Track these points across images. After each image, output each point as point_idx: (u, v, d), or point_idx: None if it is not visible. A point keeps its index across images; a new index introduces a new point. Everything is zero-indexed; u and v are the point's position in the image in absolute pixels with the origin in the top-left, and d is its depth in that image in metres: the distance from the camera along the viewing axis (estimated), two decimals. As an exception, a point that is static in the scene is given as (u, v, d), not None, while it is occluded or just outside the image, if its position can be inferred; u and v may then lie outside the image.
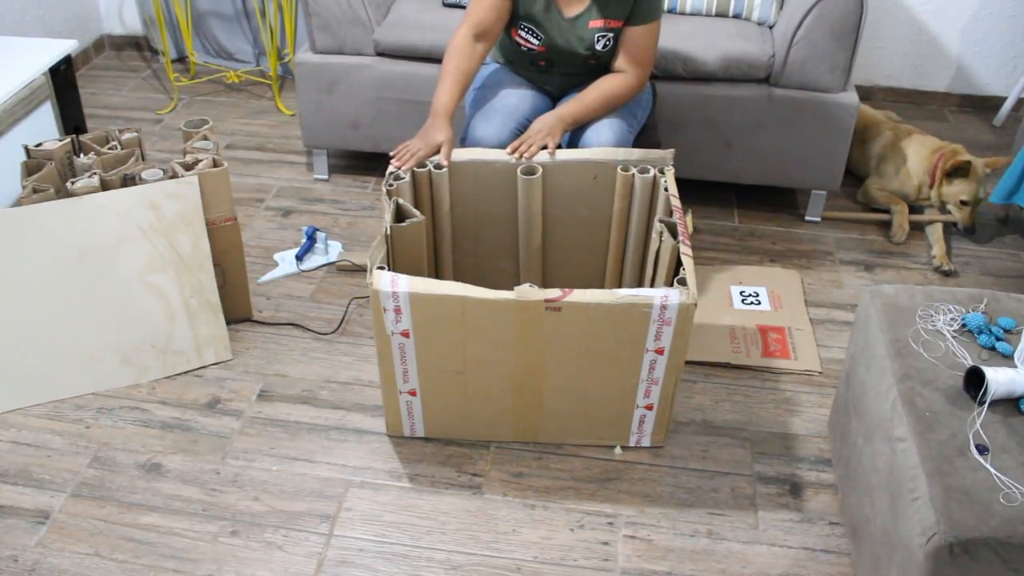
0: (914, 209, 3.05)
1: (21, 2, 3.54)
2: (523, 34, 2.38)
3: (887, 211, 3.03)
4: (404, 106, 2.97)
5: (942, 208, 2.99)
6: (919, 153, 3.04)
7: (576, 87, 2.44)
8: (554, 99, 2.51)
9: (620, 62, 2.37)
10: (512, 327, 1.93)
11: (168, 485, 2.06)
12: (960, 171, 2.90)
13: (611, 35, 2.33)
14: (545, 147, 2.26)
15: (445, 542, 1.95)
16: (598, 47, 2.34)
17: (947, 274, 2.81)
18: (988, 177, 2.91)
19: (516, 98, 2.42)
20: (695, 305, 1.89)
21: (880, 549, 1.71)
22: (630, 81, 2.36)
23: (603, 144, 2.30)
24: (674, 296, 1.89)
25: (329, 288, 2.69)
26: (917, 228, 3.01)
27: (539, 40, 2.36)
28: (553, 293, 1.88)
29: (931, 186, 2.99)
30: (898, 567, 1.62)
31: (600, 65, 2.40)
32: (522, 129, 2.38)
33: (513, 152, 2.25)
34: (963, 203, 2.92)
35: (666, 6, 3.04)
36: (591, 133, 2.34)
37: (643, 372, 2.01)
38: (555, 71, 2.45)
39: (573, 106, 2.33)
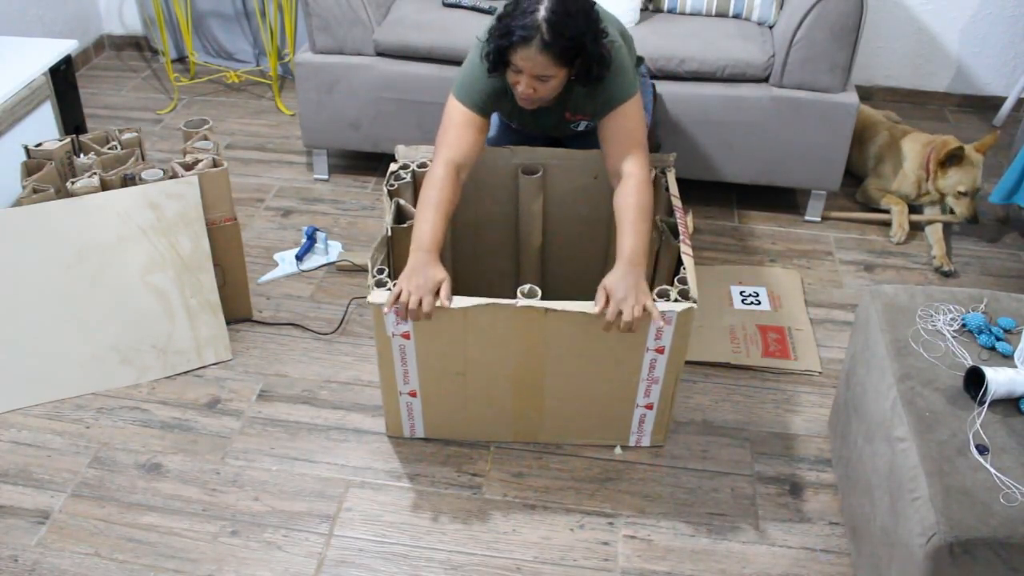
0: (914, 209, 3.05)
1: (21, 2, 3.54)
2: (511, 124, 2.37)
3: (887, 211, 3.03)
4: (404, 106, 2.97)
5: (943, 202, 2.98)
6: (912, 150, 3.04)
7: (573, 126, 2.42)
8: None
9: (612, 163, 2.04)
10: (512, 328, 1.93)
11: (168, 485, 2.06)
12: (954, 159, 2.90)
13: (588, 118, 2.22)
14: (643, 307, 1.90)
15: (445, 542, 1.95)
16: (580, 129, 2.29)
17: (947, 274, 2.81)
18: (984, 165, 2.90)
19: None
20: (695, 304, 1.89)
21: (880, 549, 1.71)
22: (636, 184, 1.99)
23: None
24: (674, 295, 1.89)
25: (329, 288, 2.69)
26: (917, 228, 3.01)
27: (524, 127, 2.34)
28: (554, 305, 1.87)
29: (928, 180, 2.98)
30: (898, 567, 1.61)
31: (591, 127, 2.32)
32: (517, 136, 2.37)
33: (610, 326, 1.90)
34: (961, 193, 2.91)
35: (666, 6, 3.05)
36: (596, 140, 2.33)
37: (643, 371, 2.01)
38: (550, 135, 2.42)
39: (627, 250, 1.93)
